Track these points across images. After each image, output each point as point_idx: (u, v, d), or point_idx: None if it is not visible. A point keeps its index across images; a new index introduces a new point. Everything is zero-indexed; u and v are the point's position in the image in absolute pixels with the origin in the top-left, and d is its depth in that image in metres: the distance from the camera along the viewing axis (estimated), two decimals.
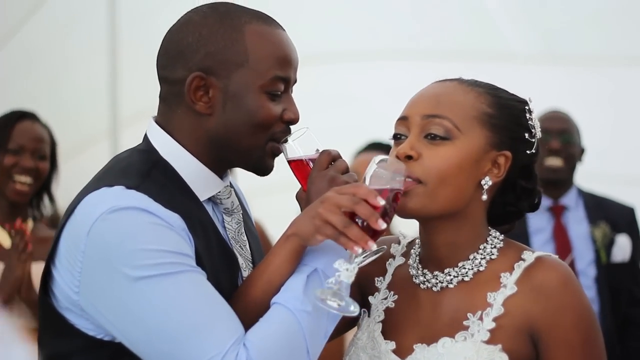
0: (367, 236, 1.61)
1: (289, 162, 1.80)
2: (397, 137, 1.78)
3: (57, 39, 6.16)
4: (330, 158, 1.77)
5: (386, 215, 1.63)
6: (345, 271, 1.61)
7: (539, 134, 1.81)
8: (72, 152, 6.04)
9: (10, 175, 3.24)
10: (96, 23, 5.92)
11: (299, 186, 1.81)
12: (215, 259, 1.73)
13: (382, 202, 1.62)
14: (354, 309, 1.61)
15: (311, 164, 1.77)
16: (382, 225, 1.61)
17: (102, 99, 5.93)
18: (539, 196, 1.85)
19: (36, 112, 3.44)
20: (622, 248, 3.85)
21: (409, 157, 1.72)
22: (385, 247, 1.77)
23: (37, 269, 3.05)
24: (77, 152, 6.11)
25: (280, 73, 1.75)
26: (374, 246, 1.61)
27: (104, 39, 5.83)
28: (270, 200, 5.35)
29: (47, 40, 6.14)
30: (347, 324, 1.87)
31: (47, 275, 1.73)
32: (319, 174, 1.75)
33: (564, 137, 3.88)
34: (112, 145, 5.74)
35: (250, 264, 1.85)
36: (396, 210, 1.70)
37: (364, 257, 1.66)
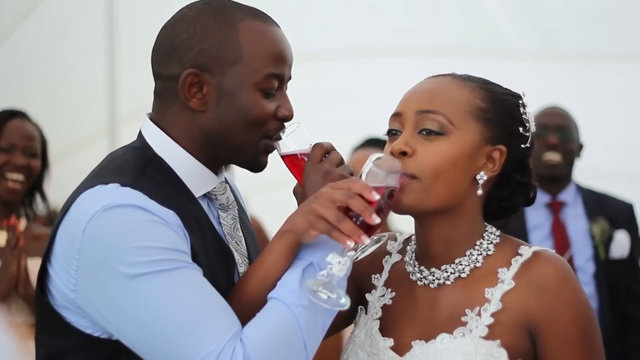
0: (360, 230, 1.60)
1: (283, 157, 1.80)
2: (391, 133, 1.78)
3: (55, 38, 6.15)
4: (324, 151, 1.77)
5: (380, 211, 1.63)
6: (338, 264, 1.61)
7: (533, 128, 1.81)
8: (71, 150, 6.04)
9: (2, 174, 3.24)
10: (94, 21, 5.91)
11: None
12: (211, 255, 1.73)
13: (377, 196, 1.62)
14: (344, 301, 1.60)
15: (306, 159, 1.77)
16: (376, 220, 1.61)
17: (100, 98, 5.92)
18: (534, 190, 1.85)
19: (34, 110, 3.45)
20: (620, 244, 3.85)
21: (403, 153, 1.72)
22: (386, 234, 1.77)
23: (34, 266, 3.05)
24: (75, 150, 6.11)
25: (275, 70, 1.75)
26: (367, 240, 1.61)
27: (102, 37, 5.82)
28: (270, 196, 5.36)
29: (45, 39, 6.14)
30: (344, 320, 1.87)
31: (43, 274, 1.73)
32: (313, 168, 1.75)
33: (562, 132, 3.88)
34: (110, 143, 5.73)
35: (246, 260, 1.84)
36: (391, 206, 1.70)
37: (364, 247, 1.65)
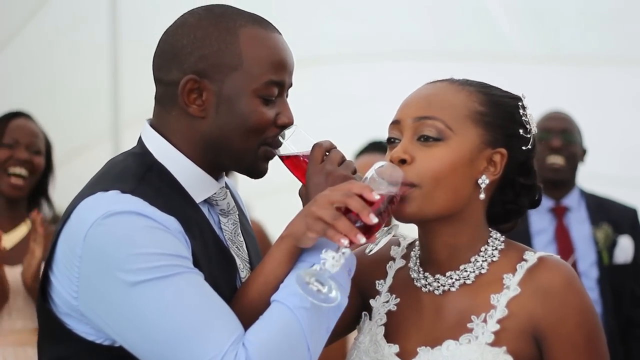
0: (356, 229, 1.59)
1: (285, 161, 1.79)
2: (391, 141, 1.77)
3: (58, 41, 6.16)
4: (323, 150, 1.76)
5: (380, 214, 1.61)
6: (331, 259, 1.58)
7: (534, 130, 1.79)
8: (74, 154, 6.04)
9: (5, 170, 3.23)
10: (98, 25, 5.92)
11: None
12: (212, 260, 1.73)
13: (376, 196, 1.61)
14: (334, 295, 1.58)
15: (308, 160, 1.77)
16: (374, 219, 1.59)
17: (103, 101, 5.93)
18: (540, 192, 1.83)
19: (37, 115, 3.45)
20: (624, 249, 3.84)
21: (402, 161, 1.70)
22: (398, 224, 1.76)
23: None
24: (79, 154, 6.12)
25: (275, 77, 1.74)
26: (362, 239, 1.59)
27: (106, 40, 5.83)
28: (275, 200, 5.36)
29: (49, 42, 6.14)
30: (348, 326, 1.86)
31: (45, 281, 1.72)
32: (315, 169, 1.74)
33: (565, 136, 3.88)
34: (114, 147, 5.74)
35: (248, 265, 1.84)
36: (394, 214, 1.70)
37: (377, 240, 1.64)
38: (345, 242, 1.58)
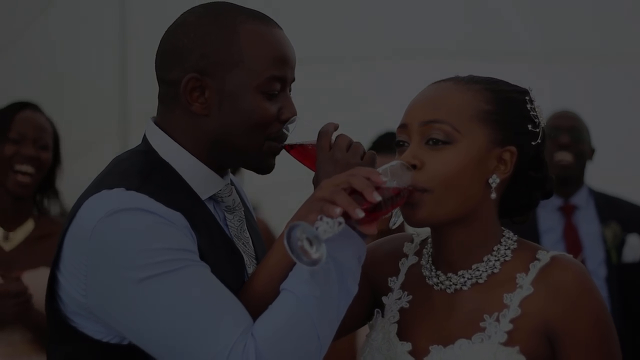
0: (354, 203, 1.56)
1: (293, 154, 1.78)
2: (399, 144, 1.75)
3: (66, 39, 6.16)
4: (329, 137, 1.75)
5: (385, 201, 1.59)
6: (325, 224, 1.54)
7: (543, 123, 1.77)
8: (82, 152, 6.05)
9: (12, 166, 3.13)
10: (106, 22, 5.92)
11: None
12: (219, 256, 1.72)
13: (384, 178, 1.59)
14: (319, 256, 1.52)
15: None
16: (377, 197, 1.57)
17: (111, 99, 5.93)
18: (551, 183, 1.82)
19: (45, 112, 3.41)
20: (633, 248, 3.83)
21: (412, 167, 1.69)
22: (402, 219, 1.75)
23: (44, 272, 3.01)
24: (86, 151, 6.12)
25: (277, 72, 1.74)
26: (360, 214, 1.56)
27: (114, 38, 5.83)
28: (283, 198, 5.35)
29: (57, 39, 6.15)
30: (360, 321, 1.85)
31: (52, 281, 1.72)
32: (324, 157, 1.74)
33: (573, 133, 3.87)
34: (121, 145, 5.74)
35: (254, 261, 1.83)
36: (405, 219, 1.70)
37: (397, 211, 1.63)
38: (338, 210, 1.55)
